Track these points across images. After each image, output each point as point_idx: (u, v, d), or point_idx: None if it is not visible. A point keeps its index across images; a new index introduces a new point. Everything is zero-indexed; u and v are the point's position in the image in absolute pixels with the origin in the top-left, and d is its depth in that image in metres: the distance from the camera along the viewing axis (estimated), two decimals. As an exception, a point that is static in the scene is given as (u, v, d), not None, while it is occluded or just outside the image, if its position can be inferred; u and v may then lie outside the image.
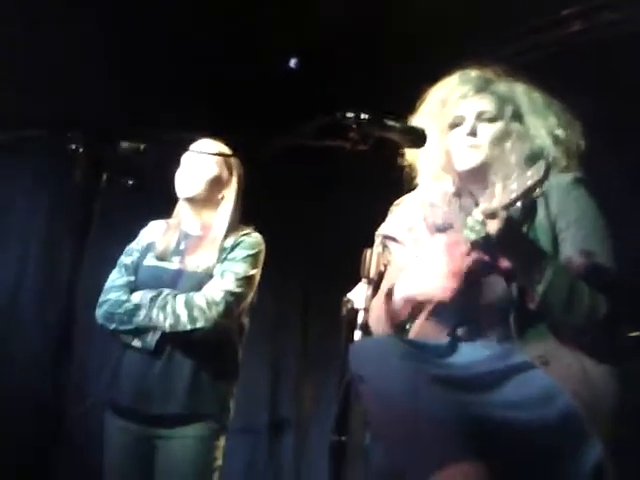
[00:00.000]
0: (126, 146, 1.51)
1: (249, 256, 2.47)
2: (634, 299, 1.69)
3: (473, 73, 1.96)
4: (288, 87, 3.91)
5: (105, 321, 2.45)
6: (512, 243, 1.63)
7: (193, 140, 2.48)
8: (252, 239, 2.53)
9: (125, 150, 1.51)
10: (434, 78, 2.03)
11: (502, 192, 1.59)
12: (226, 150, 2.59)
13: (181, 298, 2.37)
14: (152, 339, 2.37)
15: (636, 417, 1.63)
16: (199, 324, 2.33)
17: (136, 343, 2.39)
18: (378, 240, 1.95)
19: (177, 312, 2.34)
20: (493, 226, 1.58)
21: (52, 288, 3.28)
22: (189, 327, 2.33)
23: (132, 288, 2.48)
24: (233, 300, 2.38)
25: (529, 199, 1.61)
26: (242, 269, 2.44)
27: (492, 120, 1.88)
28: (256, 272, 2.49)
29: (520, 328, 1.65)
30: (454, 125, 1.92)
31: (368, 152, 1.49)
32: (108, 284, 2.51)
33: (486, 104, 1.90)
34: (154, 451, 2.38)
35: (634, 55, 3.12)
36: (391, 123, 1.52)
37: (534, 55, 3.53)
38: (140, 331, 2.39)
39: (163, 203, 2.64)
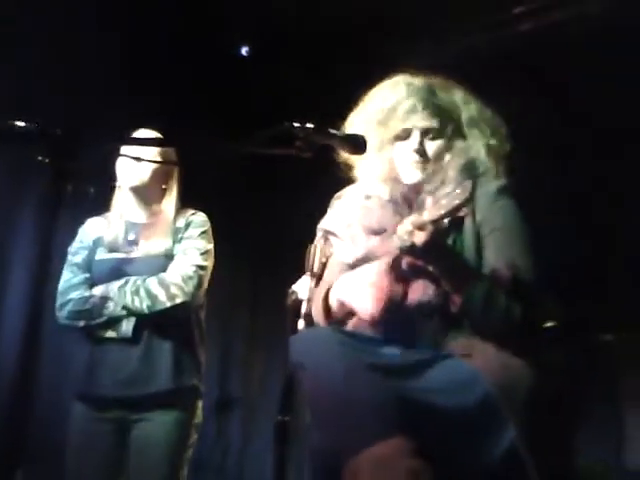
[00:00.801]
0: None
1: (203, 232, 2.64)
2: (547, 294, 1.87)
3: (418, 82, 2.04)
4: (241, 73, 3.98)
5: (71, 320, 2.52)
6: (437, 254, 1.79)
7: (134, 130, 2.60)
8: (201, 217, 2.69)
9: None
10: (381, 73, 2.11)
11: (432, 206, 1.73)
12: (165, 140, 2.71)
13: (153, 280, 2.48)
14: (127, 327, 2.47)
15: (547, 404, 1.81)
16: (178, 300, 2.47)
17: (111, 334, 2.49)
18: (320, 234, 2.05)
19: (153, 293, 2.45)
20: (420, 237, 1.71)
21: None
22: (169, 304, 2.46)
23: (90, 284, 2.56)
24: (203, 273, 2.56)
25: (455, 217, 1.75)
26: (202, 244, 2.60)
27: (436, 137, 2.00)
28: (212, 246, 2.65)
29: (444, 327, 1.81)
30: (399, 138, 2.02)
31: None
32: (63, 285, 2.57)
33: (432, 121, 1.99)
34: (129, 437, 2.48)
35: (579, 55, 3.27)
36: (334, 132, 1.66)
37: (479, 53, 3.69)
38: (113, 321, 2.48)
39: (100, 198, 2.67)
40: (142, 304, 2.46)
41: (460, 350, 1.74)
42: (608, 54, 3.13)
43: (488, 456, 1.60)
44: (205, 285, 2.59)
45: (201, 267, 2.56)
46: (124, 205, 2.69)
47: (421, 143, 1.99)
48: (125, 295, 2.47)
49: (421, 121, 2.00)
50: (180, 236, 2.61)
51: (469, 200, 1.69)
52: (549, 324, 2.22)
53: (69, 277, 2.59)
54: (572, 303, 2.60)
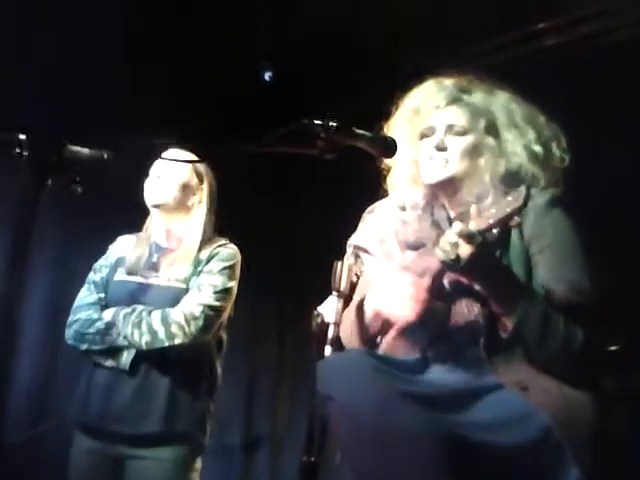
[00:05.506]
0: (87, 153, 1.47)
1: (226, 268, 2.40)
2: (611, 316, 1.64)
3: (449, 81, 1.90)
4: (264, 94, 3.88)
5: (75, 342, 2.37)
6: (485, 269, 1.59)
7: (160, 147, 2.44)
8: (228, 250, 2.46)
9: (86, 157, 1.46)
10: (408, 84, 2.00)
11: (478, 215, 1.55)
12: (195, 158, 2.51)
13: (157, 314, 2.30)
14: (127, 358, 2.30)
15: (612, 441, 1.59)
16: (177, 340, 2.26)
17: (110, 363, 2.32)
18: (350, 250, 1.90)
19: (154, 328, 2.27)
20: (466, 250, 1.54)
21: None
22: (167, 344, 2.26)
23: (103, 305, 2.41)
24: (213, 314, 2.32)
25: (505, 226, 1.57)
26: (220, 282, 2.37)
27: (462, 133, 1.84)
28: (234, 284, 2.42)
29: (490, 353, 1.62)
30: (424, 136, 1.88)
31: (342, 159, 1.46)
32: (77, 303, 2.44)
33: (457, 116, 1.85)
34: (124, 473, 2.30)
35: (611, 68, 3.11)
36: (360, 132, 1.49)
37: (511, 66, 3.54)
38: (113, 351, 2.31)
39: (136, 219, 2.58)
40: (141, 339, 2.28)
41: (513, 380, 1.54)
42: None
43: None
44: (214, 327, 2.36)
45: (211, 307, 2.32)
46: (154, 225, 2.53)
47: (443, 139, 1.83)
48: (127, 325, 2.30)
49: (444, 117, 1.86)
50: (200, 269, 2.40)
51: (522, 208, 1.52)
52: (612, 348, 1.99)
53: (84, 295, 2.45)
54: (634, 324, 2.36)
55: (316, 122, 1.41)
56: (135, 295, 2.38)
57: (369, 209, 1.96)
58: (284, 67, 3.90)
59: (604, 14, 3.40)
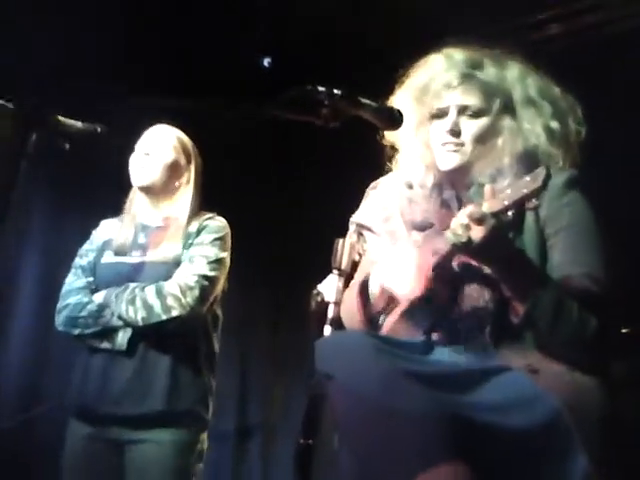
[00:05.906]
0: (80, 126, 1.45)
1: (217, 239, 2.38)
2: (627, 299, 1.59)
3: (459, 55, 1.81)
4: (264, 94, 3.82)
5: (67, 327, 2.32)
6: (497, 252, 1.52)
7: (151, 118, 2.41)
8: (217, 222, 2.44)
9: (79, 130, 1.45)
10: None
11: (492, 197, 1.49)
12: (184, 137, 2.49)
13: (151, 289, 2.25)
14: (123, 338, 2.25)
15: (621, 426, 1.54)
16: (175, 312, 2.22)
17: (105, 345, 2.27)
18: (352, 228, 1.82)
19: (149, 303, 2.22)
20: (478, 232, 1.47)
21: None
22: (164, 317, 2.22)
23: (92, 289, 2.36)
24: (208, 284, 2.29)
25: (521, 208, 1.51)
26: (212, 252, 2.35)
27: (476, 115, 1.75)
28: (226, 255, 2.40)
29: (498, 338, 1.56)
30: (435, 117, 1.80)
31: (343, 131, 1.41)
32: (65, 289, 2.39)
33: (471, 96, 1.76)
34: (124, 458, 2.26)
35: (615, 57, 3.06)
36: (365, 101, 1.44)
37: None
38: (108, 332, 2.27)
39: (120, 202, 2.55)
40: (137, 315, 2.22)
41: (522, 364, 1.48)
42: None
43: None
44: (210, 298, 2.32)
45: (205, 277, 2.29)
46: (138, 206, 2.49)
47: (456, 122, 1.75)
48: (121, 303, 2.25)
49: (457, 97, 1.76)
50: (190, 242, 2.37)
51: (540, 190, 1.45)
52: (624, 330, 1.94)
53: (72, 280, 2.40)
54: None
55: (320, 89, 1.36)
56: (125, 275, 2.34)
57: (372, 185, 1.87)
58: (283, 66, 3.84)
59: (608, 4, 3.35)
